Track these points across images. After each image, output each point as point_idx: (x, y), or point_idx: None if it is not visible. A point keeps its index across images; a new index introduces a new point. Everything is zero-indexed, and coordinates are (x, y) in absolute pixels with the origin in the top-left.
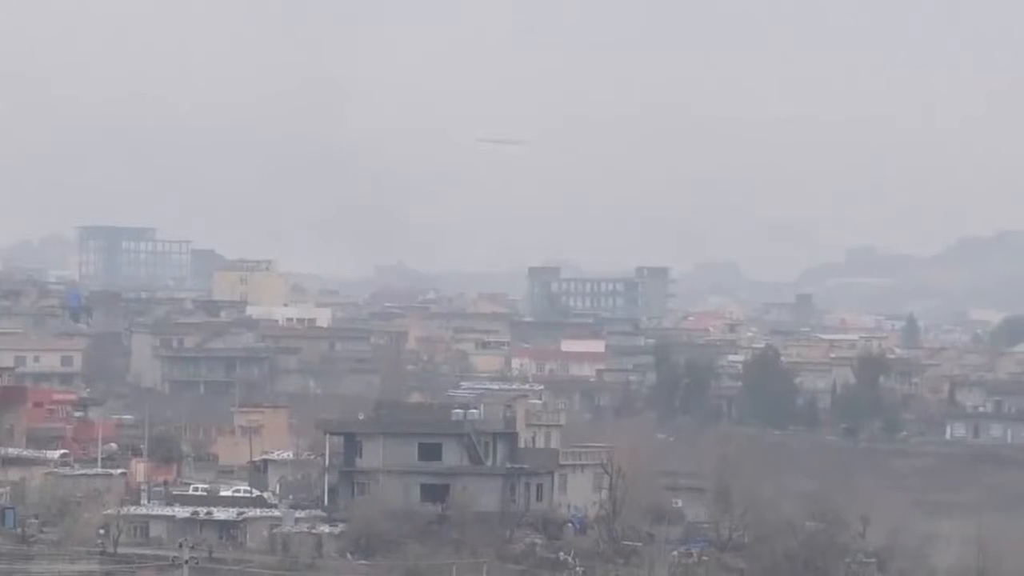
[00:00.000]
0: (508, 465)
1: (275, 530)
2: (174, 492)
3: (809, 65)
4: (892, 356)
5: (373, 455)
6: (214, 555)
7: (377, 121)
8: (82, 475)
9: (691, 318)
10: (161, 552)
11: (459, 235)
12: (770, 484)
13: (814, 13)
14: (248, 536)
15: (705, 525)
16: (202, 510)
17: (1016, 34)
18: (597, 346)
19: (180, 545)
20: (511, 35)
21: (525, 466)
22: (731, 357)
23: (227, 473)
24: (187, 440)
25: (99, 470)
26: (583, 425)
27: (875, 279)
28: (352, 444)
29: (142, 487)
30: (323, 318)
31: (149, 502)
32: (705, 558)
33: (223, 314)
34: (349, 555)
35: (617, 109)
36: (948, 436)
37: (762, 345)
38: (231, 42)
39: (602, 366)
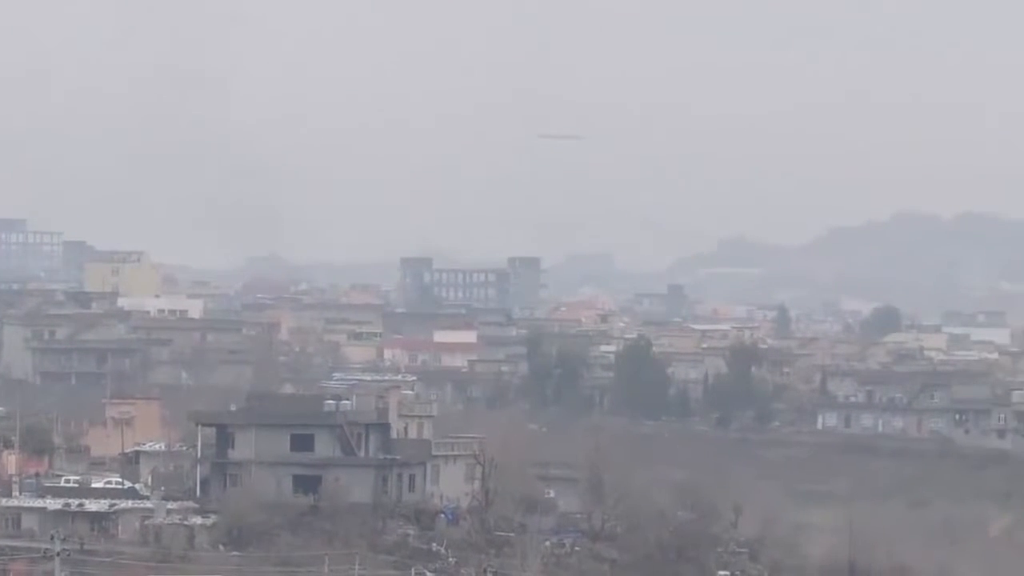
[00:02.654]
0: (380, 456)
1: (147, 522)
2: (46, 484)
3: (681, 54)
4: (764, 346)
5: (245, 446)
6: (86, 547)
7: (249, 111)
8: None
9: (563, 309)
10: (33, 544)
11: (331, 226)
12: (642, 474)
13: (684, 2)
14: (120, 528)
15: (578, 515)
16: (74, 502)
17: (889, 24)
18: (469, 337)
19: (52, 537)
20: (381, 23)
21: (397, 457)
22: (603, 347)
23: (99, 465)
24: (59, 432)
25: None
26: (455, 416)
27: (746, 269)
28: (224, 435)
29: (13, 479)
30: (195, 309)
31: (20, 494)
32: (577, 548)
33: (94, 305)
34: (221, 546)
35: (487, 97)
36: (820, 426)
37: (634, 335)
38: (101, 30)
39: (474, 357)
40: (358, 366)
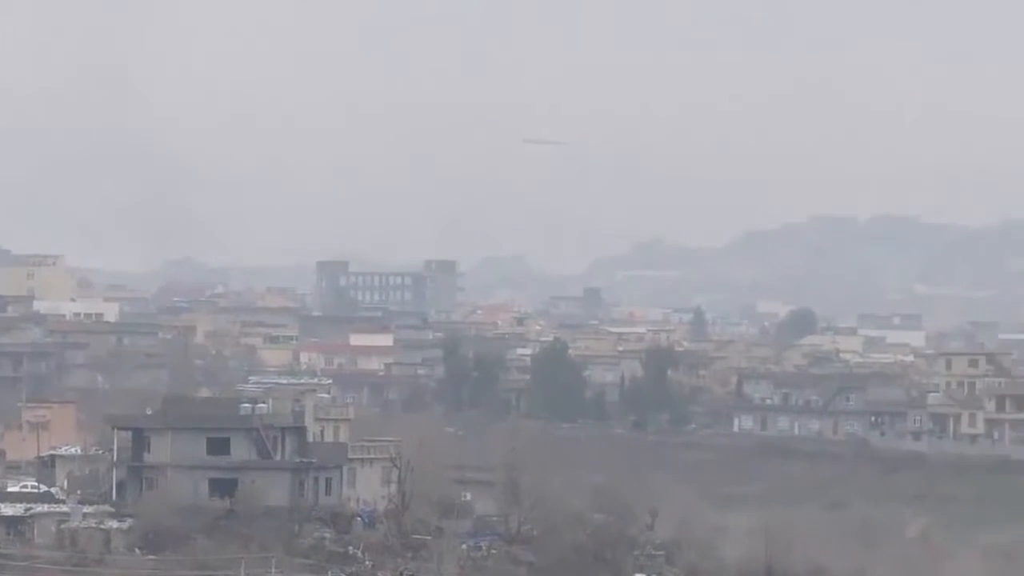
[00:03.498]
0: (297, 459)
1: (63, 526)
2: None
3: (593, 56)
4: (680, 349)
5: (161, 450)
6: (1, 551)
7: (164, 113)
8: None
9: (479, 312)
10: None
11: (247, 229)
12: (559, 477)
13: (596, 4)
14: (36, 532)
15: (494, 518)
16: None
17: (804, 25)
18: (385, 340)
19: None
20: (299, 25)
21: (314, 460)
22: (519, 350)
23: (14, 469)
24: None
25: None
26: (372, 419)
27: (662, 272)
28: (140, 439)
29: None
30: (111, 313)
31: None
32: (494, 551)
33: (10, 309)
34: (137, 550)
35: (404, 100)
36: (736, 428)
37: (550, 338)
38: (17, 30)
39: (390, 360)
40: (274, 369)
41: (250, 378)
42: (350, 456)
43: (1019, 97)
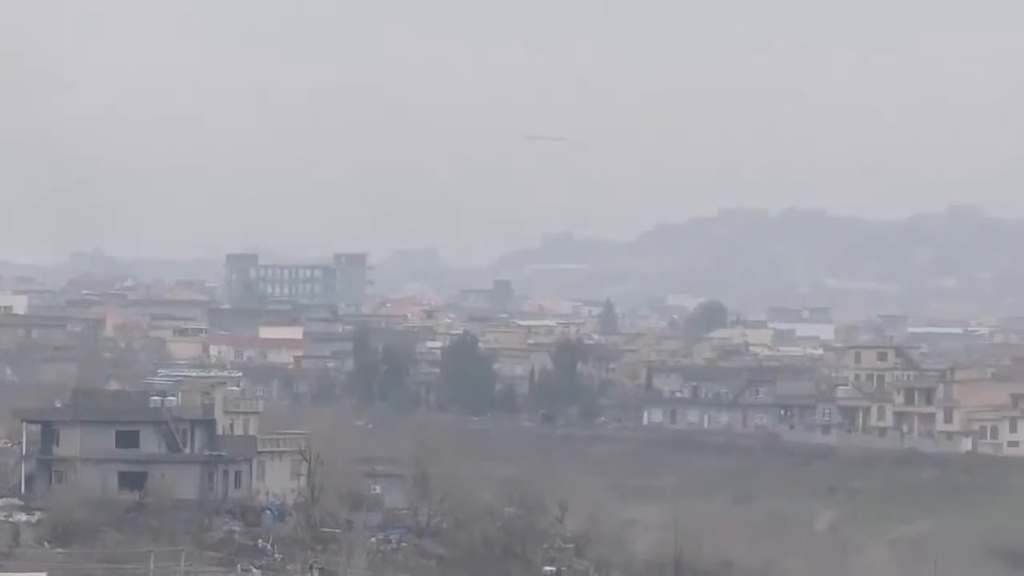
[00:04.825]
0: (206, 452)
1: None
2: None
3: (500, 51)
4: (589, 342)
5: (70, 443)
6: None
7: (74, 104)
8: None
9: (389, 305)
10: None
11: (156, 222)
12: (469, 470)
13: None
14: None
15: (404, 511)
16: None
17: (712, 15)
18: (295, 333)
19: None
20: (208, 16)
21: (223, 453)
22: (429, 344)
23: None
24: None
25: None
26: (281, 412)
27: (572, 265)
28: (49, 432)
29: None
30: (19, 305)
31: None
32: (404, 544)
33: None
34: (47, 543)
35: (312, 91)
36: (645, 421)
37: (460, 331)
38: None
39: (300, 353)
40: (183, 362)
41: (159, 371)
42: (259, 449)
43: (927, 91)
